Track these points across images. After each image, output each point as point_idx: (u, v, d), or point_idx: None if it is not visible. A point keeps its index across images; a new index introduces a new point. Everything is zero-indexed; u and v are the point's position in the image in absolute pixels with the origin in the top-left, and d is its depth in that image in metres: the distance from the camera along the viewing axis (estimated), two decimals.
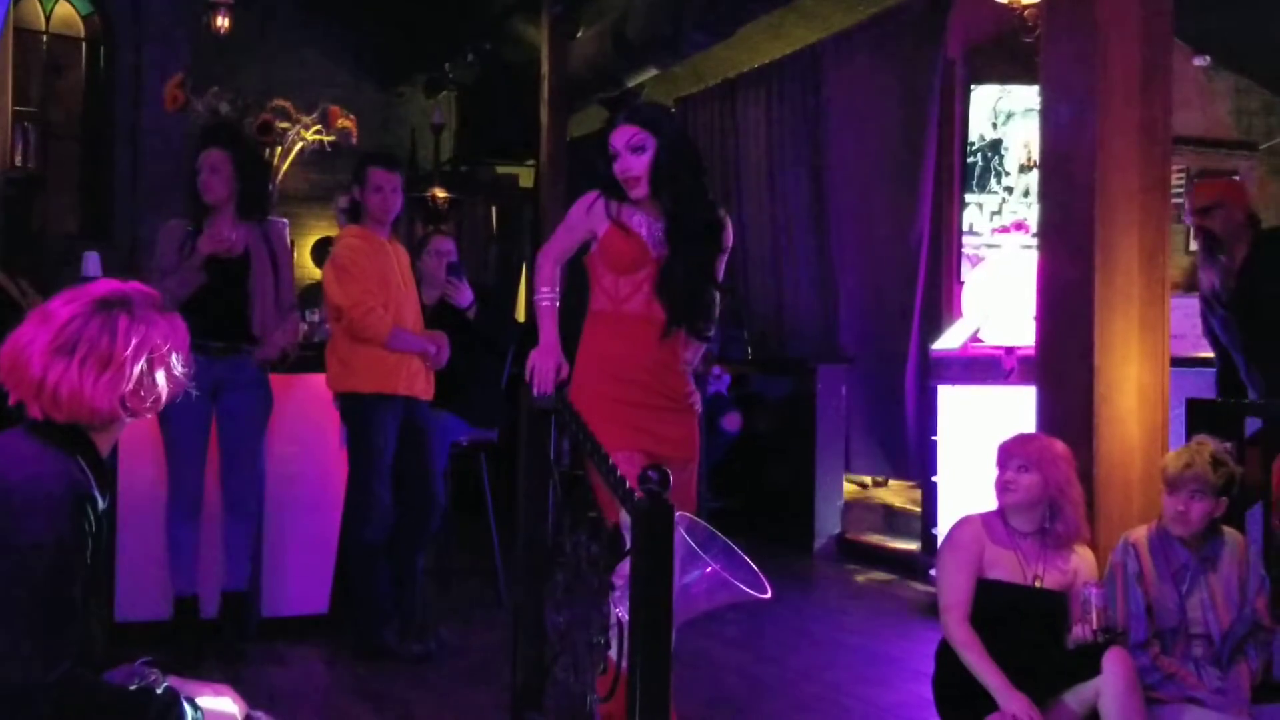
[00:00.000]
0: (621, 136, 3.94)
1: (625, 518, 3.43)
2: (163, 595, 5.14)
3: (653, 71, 9.39)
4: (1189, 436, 4.34)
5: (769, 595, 3.63)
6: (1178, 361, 4.70)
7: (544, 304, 4.00)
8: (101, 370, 2.35)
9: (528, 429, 4.12)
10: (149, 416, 2.49)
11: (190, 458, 5.08)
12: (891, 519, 8.06)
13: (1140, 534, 3.90)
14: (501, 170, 12.81)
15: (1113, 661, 3.58)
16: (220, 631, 5.13)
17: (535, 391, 3.88)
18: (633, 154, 3.92)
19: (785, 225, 9.16)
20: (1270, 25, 8.30)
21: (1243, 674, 3.78)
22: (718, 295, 4.10)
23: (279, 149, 6.23)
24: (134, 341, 2.38)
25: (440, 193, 11.79)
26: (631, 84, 9.70)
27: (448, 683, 4.88)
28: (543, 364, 3.87)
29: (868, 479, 8.83)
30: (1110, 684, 3.56)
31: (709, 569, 3.48)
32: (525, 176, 12.22)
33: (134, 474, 5.16)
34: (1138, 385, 4.29)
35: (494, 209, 12.85)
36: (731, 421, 8.18)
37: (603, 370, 3.91)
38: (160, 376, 2.42)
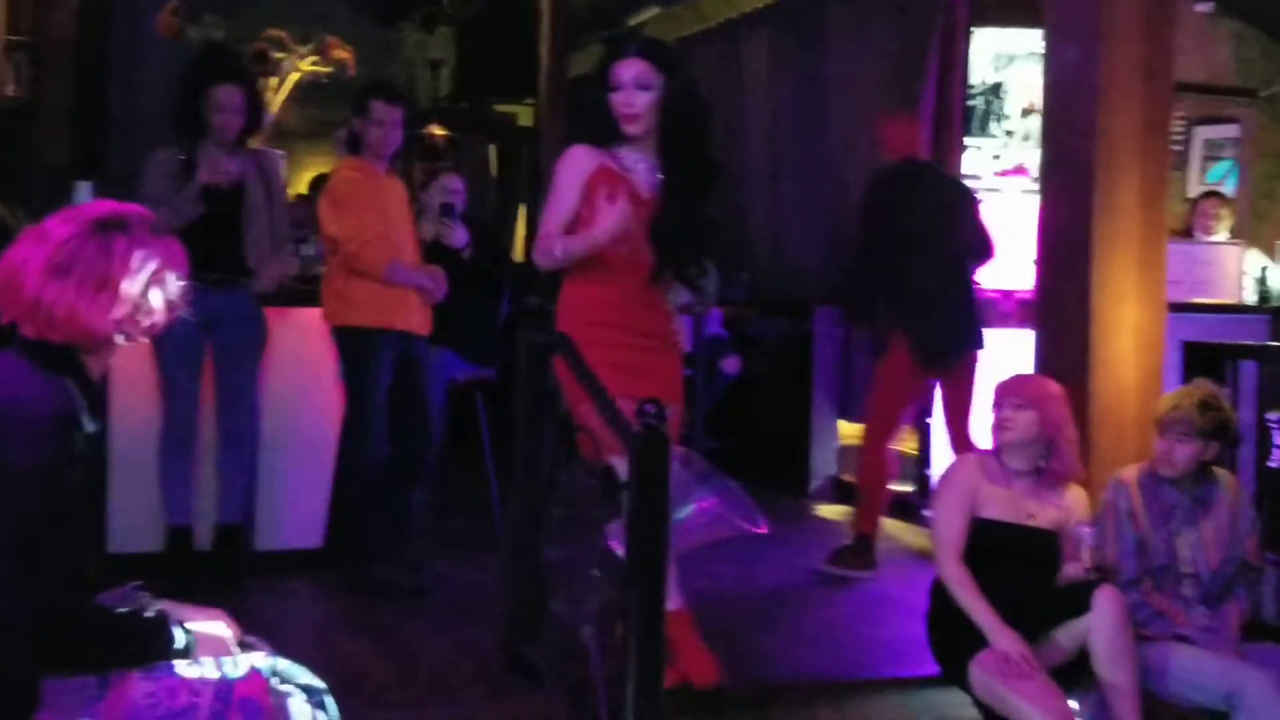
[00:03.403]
0: (629, 70, 3.82)
1: (618, 459, 3.44)
2: (156, 527, 5.15)
3: (655, 9, 9.31)
4: (1185, 379, 4.35)
5: (765, 530, 3.65)
6: (1175, 306, 4.71)
7: (563, 245, 3.82)
8: (98, 291, 2.35)
9: (526, 366, 4.12)
10: (144, 340, 2.48)
11: (184, 390, 5.07)
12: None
13: (1131, 473, 3.92)
14: (500, 109, 12.71)
15: (1103, 599, 3.60)
16: (213, 563, 5.13)
17: (606, 231, 3.74)
18: (639, 90, 3.81)
19: (786, 166, 9.12)
20: None
21: (1231, 613, 3.82)
22: (708, 243, 4.06)
23: (274, 80, 6.17)
24: (131, 263, 2.37)
25: (438, 130, 11.69)
26: (633, 22, 9.62)
27: (442, 616, 4.89)
28: (606, 223, 3.72)
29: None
30: (1101, 621, 3.59)
31: (705, 503, 3.49)
32: (524, 115, 12.12)
33: (129, 406, 5.14)
34: (1134, 327, 4.31)
35: (492, 148, 12.76)
36: (731, 364, 8.16)
37: (588, 312, 3.86)
38: (156, 299, 2.41)
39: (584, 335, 3.79)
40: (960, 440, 5.82)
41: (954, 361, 5.79)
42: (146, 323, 2.42)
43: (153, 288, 2.40)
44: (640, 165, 3.90)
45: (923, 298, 5.71)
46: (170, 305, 2.44)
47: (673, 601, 3.74)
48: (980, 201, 6.19)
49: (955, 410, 5.89)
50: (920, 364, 5.75)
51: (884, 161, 6.07)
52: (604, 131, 3.88)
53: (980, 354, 5.90)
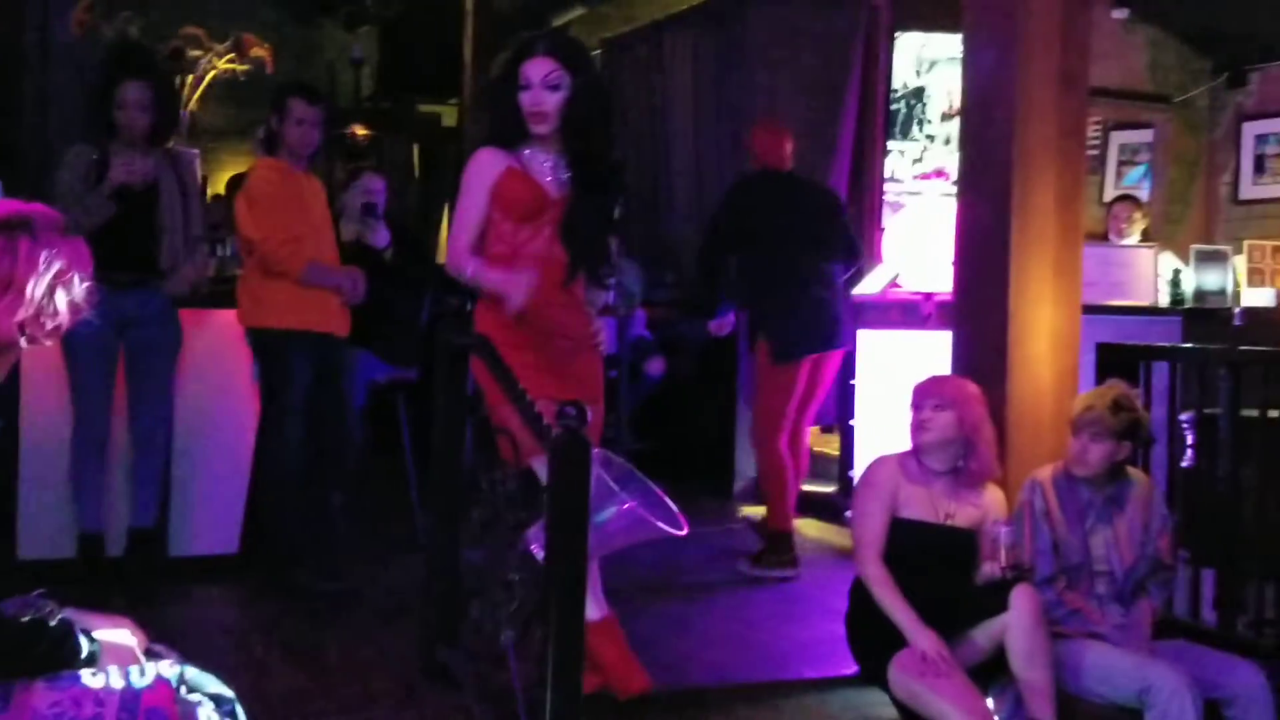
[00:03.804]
0: (539, 69, 3.78)
1: (538, 461, 3.42)
2: (67, 533, 5.07)
3: (580, 9, 9.29)
4: (1099, 380, 4.41)
5: (685, 532, 3.64)
6: (1090, 308, 4.77)
7: (476, 269, 3.81)
8: (1, 293, 2.29)
9: (445, 367, 4.09)
10: (48, 344, 2.42)
11: (96, 393, 4.99)
12: (810, 462, 8.09)
13: (1046, 473, 3.97)
14: (424, 108, 12.64)
15: (1020, 597, 3.64)
16: (126, 570, 5.04)
17: (513, 306, 3.73)
18: (548, 90, 3.77)
19: (710, 168, 9.13)
20: None
21: (1144, 610, 3.88)
22: (613, 242, 4.05)
23: (190, 77, 6.09)
24: (36, 264, 2.31)
25: (360, 130, 11.63)
26: (558, 22, 9.60)
27: (361, 622, 4.85)
28: (514, 293, 3.70)
29: None
30: (1017, 619, 3.62)
31: (626, 505, 3.47)
32: (448, 115, 12.06)
33: (39, 409, 5.05)
34: (1051, 329, 4.36)
35: (416, 147, 12.69)
36: (655, 365, 8.16)
37: (503, 314, 3.80)
38: (62, 301, 2.35)
39: (503, 337, 3.76)
40: (792, 433, 6.07)
41: (806, 357, 6.00)
42: (51, 325, 2.36)
43: (58, 289, 2.35)
44: (547, 165, 3.87)
45: (778, 297, 5.97)
46: (75, 307, 2.38)
47: (597, 611, 3.75)
48: (846, 210, 6.47)
49: (802, 403, 6.10)
50: (774, 360, 5.94)
51: (751, 168, 6.32)
52: (512, 130, 3.85)
53: (841, 354, 6.23)
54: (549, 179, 3.86)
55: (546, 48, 3.83)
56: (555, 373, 3.81)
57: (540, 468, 3.37)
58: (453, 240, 3.93)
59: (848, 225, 6.34)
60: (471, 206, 3.87)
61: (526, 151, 3.86)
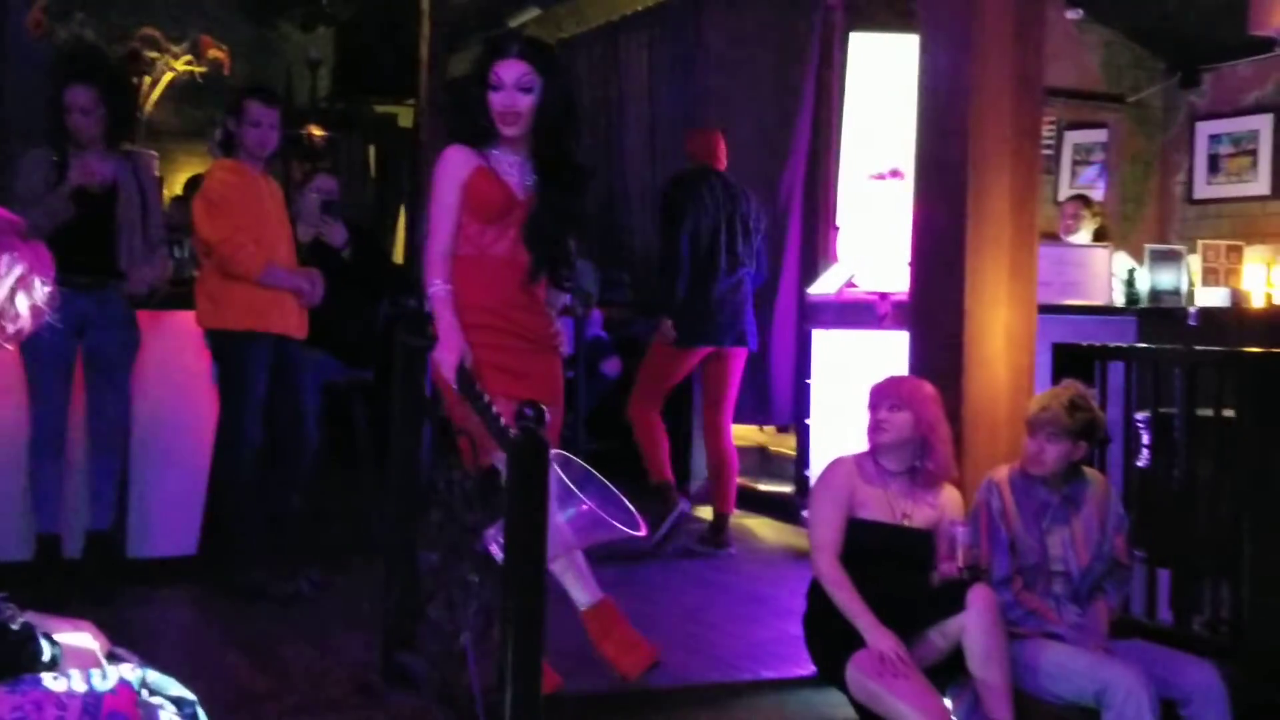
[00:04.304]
0: (511, 71, 3.79)
1: (499, 458, 3.43)
2: (24, 535, 5.03)
3: (535, 10, 9.29)
4: (1054, 379, 4.44)
5: (643, 533, 3.67)
6: (1045, 308, 4.80)
7: (438, 294, 3.79)
8: None
9: (401, 367, 4.09)
10: (9, 348, 2.41)
11: (53, 394, 4.96)
12: (766, 462, 8.13)
13: (1003, 473, 3.99)
14: (380, 109, 12.62)
15: (977, 598, 3.66)
16: (84, 572, 5.01)
17: (442, 367, 3.72)
18: (520, 92, 3.79)
19: (664, 170, 9.13)
20: None
21: (1100, 610, 3.90)
22: (574, 244, 4.08)
23: (147, 79, 6.06)
24: (8, 274, 2.30)
25: (317, 130, 11.59)
26: (513, 23, 9.59)
27: (318, 623, 4.83)
28: (447, 360, 3.69)
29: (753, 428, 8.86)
30: (974, 619, 3.64)
31: (584, 506, 3.49)
32: (405, 116, 12.04)
33: None
34: (1006, 329, 4.38)
35: (372, 148, 12.67)
36: (611, 366, 8.17)
37: (467, 315, 3.81)
38: (23, 305, 2.34)
39: (468, 338, 3.77)
40: (712, 429, 6.50)
41: (701, 347, 6.40)
42: (11, 329, 2.35)
43: (19, 293, 2.34)
44: (514, 166, 3.89)
45: (690, 284, 6.33)
46: (37, 311, 2.37)
47: (591, 595, 3.89)
48: (763, 228, 6.73)
49: (711, 400, 6.55)
50: (671, 341, 6.34)
51: (688, 166, 6.76)
52: (480, 130, 3.86)
53: (744, 354, 6.56)
54: (515, 180, 3.88)
55: (520, 50, 3.83)
56: (515, 373, 3.83)
57: (502, 465, 3.38)
58: (428, 243, 3.90)
59: (764, 243, 6.69)
60: (445, 206, 3.86)
61: (494, 152, 3.88)
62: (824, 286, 6.90)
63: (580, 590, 3.92)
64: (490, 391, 3.55)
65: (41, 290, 2.36)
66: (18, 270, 2.32)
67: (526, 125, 3.83)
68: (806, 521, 4.28)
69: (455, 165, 3.87)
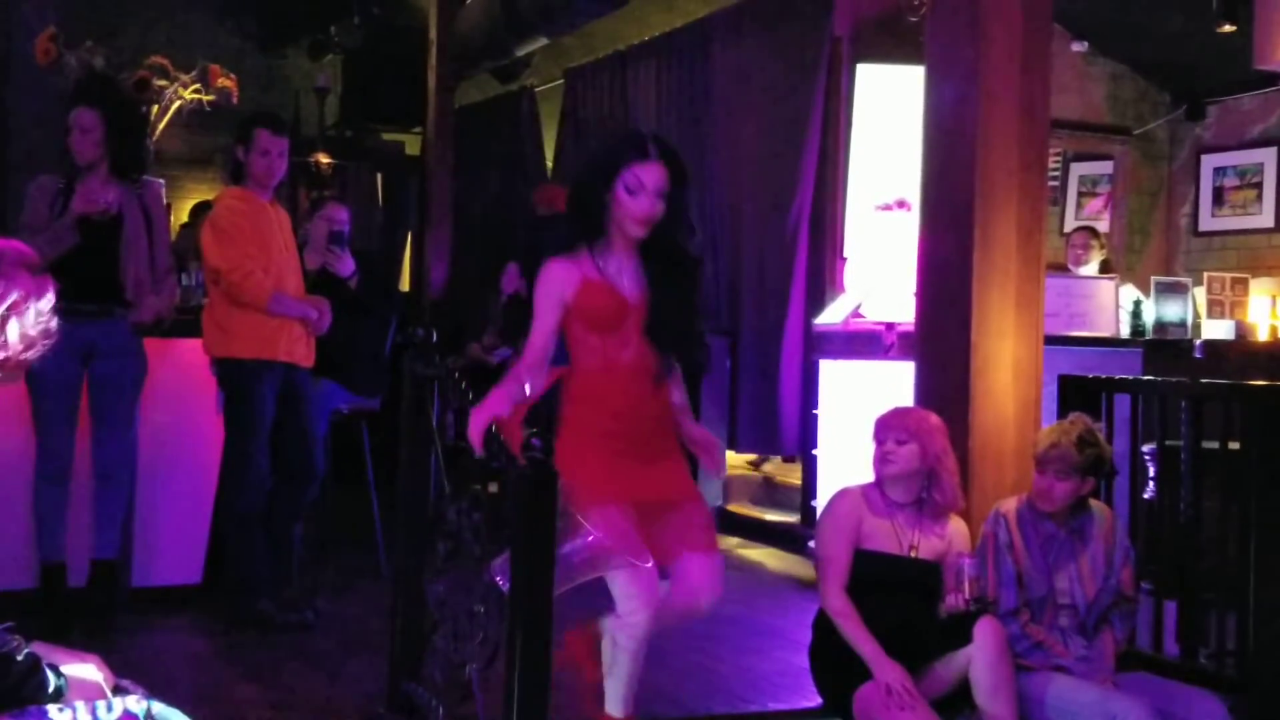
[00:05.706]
0: (654, 176, 3.54)
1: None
2: (30, 564, 5.03)
3: (543, 40, 9.31)
4: (1061, 411, 4.44)
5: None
6: (1051, 339, 4.80)
7: (512, 380, 3.56)
8: None
9: (410, 398, 4.08)
10: (17, 377, 2.41)
11: (59, 423, 4.96)
12: (772, 492, 8.13)
13: (1010, 506, 3.98)
14: (387, 137, 12.67)
15: (984, 630, 3.66)
16: (89, 601, 5.01)
17: (471, 428, 3.49)
18: (659, 198, 3.55)
19: None
20: (1146, 13, 8.48)
21: (1107, 643, 3.89)
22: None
23: (156, 107, 6.09)
24: (5, 301, 2.31)
25: (324, 158, 11.64)
26: (521, 53, 9.61)
27: (324, 653, 4.83)
28: (477, 419, 3.43)
29: (753, 457, 8.85)
30: (981, 652, 3.64)
31: (590, 538, 3.48)
32: (412, 144, 12.08)
33: (1, 438, 5.02)
34: (1013, 360, 4.38)
35: (379, 176, 12.71)
36: None
37: (597, 423, 3.63)
38: (13, 333, 2.34)
39: (587, 443, 3.60)
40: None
41: None
42: (14, 364, 2.35)
43: (10, 319, 2.33)
44: (625, 269, 3.66)
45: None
46: (28, 339, 2.36)
47: (625, 710, 3.68)
48: None
49: None
50: None
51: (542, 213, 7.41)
52: (595, 231, 3.63)
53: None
54: (627, 284, 3.64)
55: (659, 152, 3.60)
56: (638, 478, 3.64)
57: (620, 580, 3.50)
58: (526, 351, 3.66)
59: None
60: (542, 324, 3.63)
61: (601, 257, 3.64)
62: (830, 316, 6.89)
63: (617, 695, 3.70)
64: (613, 501, 3.49)
65: (34, 319, 2.36)
66: (12, 297, 2.32)
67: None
68: (813, 552, 4.27)
69: (558, 283, 3.62)
